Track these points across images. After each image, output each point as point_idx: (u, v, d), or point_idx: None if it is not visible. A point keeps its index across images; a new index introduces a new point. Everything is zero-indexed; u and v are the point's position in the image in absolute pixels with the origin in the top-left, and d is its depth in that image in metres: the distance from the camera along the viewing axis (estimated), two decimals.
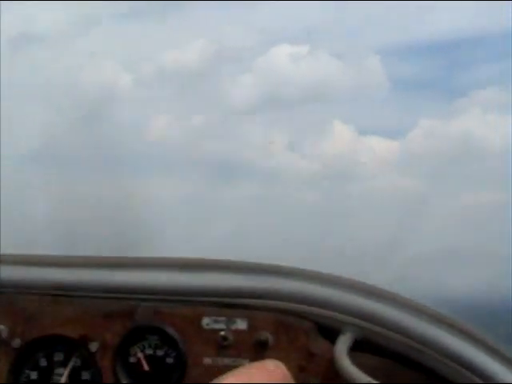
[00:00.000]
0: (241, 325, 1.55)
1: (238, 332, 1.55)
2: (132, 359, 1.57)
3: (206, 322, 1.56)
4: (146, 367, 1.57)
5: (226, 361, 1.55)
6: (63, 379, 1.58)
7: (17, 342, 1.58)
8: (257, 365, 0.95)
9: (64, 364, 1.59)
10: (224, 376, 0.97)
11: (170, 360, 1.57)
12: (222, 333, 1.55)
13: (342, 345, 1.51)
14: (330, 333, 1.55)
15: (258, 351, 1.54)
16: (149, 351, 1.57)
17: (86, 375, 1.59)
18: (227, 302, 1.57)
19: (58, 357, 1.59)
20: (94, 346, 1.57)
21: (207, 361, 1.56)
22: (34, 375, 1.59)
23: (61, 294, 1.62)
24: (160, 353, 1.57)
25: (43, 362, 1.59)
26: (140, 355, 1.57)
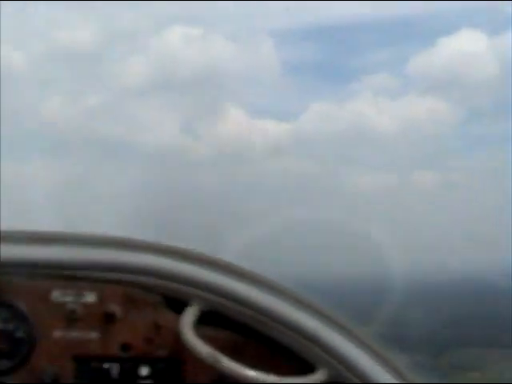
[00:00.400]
0: (89, 298, 1.57)
1: (86, 305, 1.57)
2: None
3: (55, 295, 1.57)
4: None
5: (75, 334, 1.57)
6: None
7: None
8: None
9: None
10: None
11: (19, 334, 1.57)
12: (71, 306, 1.57)
13: (188, 317, 1.56)
14: (178, 305, 1.59)
15: (107, 324, 1.57)
16: None
17: None
18: (76, 275, 1.58)
19: None
20: None
21: (57, 334, 1.57)
22: None
23: None
24: (9, 327, 1.57)
25: None
26: None
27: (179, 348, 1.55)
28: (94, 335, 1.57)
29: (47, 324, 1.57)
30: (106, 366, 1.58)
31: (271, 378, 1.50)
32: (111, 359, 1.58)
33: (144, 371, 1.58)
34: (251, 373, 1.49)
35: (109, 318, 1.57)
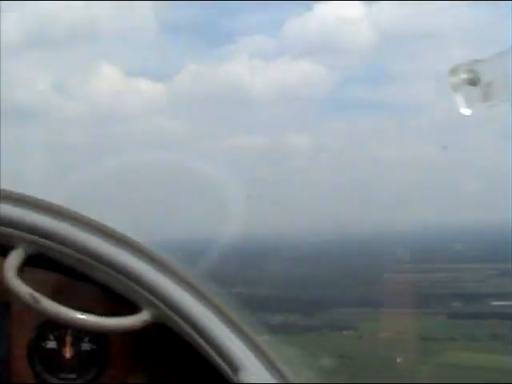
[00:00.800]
0: None
1: None
2: None
3: None
4: None
5: None
6: None
7: None
8: None
9: None
10: None
11: None
12: None
13: (12, 260, 1.53)
14: (4, 249, 1.56)
15: None
16: None
17: None
18: None
19: None
20: None
21: None
22: None
23: None
24: None
25: None
26: None
27: (6, 293, 1.53)
28: None
29: None
30: None
31: (92, 318, 1.50)
32: None
33: None
34: (72, 313, 1.49)
35: None
